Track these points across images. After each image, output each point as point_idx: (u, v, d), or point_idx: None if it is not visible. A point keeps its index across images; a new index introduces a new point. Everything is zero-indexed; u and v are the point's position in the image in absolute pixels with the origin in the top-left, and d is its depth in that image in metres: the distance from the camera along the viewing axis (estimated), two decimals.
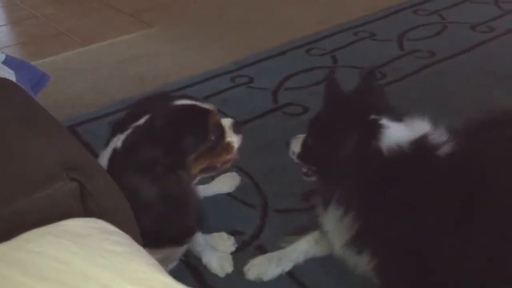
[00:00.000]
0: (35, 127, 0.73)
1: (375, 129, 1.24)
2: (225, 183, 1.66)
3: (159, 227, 1.05)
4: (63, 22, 2.91)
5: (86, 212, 0.69)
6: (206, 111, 1.15)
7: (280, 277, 1.41)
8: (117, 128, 1.14)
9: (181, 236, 1.11)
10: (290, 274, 1.41)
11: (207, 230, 1.47)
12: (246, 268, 1.42)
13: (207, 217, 1.34)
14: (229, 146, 1.17)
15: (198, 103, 1.15)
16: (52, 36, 2.78)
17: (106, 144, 1.14)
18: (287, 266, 1.43)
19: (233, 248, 1.46)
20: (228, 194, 1.66)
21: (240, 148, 1.86)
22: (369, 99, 1.32)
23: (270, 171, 1.74)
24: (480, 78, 2.12)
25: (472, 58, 2.25)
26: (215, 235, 1.49)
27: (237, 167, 1.72)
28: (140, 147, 1.05)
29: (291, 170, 1.73)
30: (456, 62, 2.23)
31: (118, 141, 1.09)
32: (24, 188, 0.64)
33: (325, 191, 1.35)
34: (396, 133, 1.25)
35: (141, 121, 1.09)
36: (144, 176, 1.03)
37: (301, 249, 1.45)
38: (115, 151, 1.08)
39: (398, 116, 1.29)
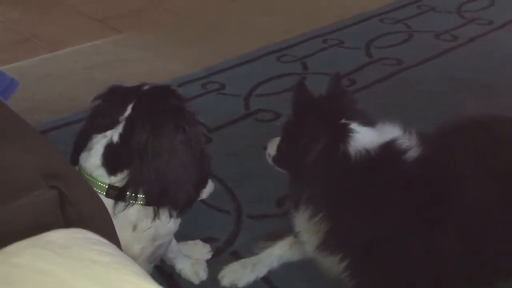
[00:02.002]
0: (10, 133, 0.72)
1: (344, 133, 1.27)
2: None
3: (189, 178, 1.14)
4: (29, 27, 2.85)
5: (66, 221, 0.68)
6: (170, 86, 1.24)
7: (255, 283, 1.41)
8: (87, 134, 1.15)
9: (196, 192, 1.17)
10: (265, 279, 1.42)
11: (181, 238, 1.46)
12: (220, 275, 1.42)
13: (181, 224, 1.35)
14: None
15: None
16: (17, 41, 2.72)
17: (77, 149, 1.15)
18: (261, 271, 1.44)
19: (209, 256, 1.46)
20: (201, 200, 1.66)
21: (213, 154, 1.87)
22: (339, 104, 1.34)
23: (243, 177, 1.75)
24: (445, 85, 2.19)
25: (437, 65, 2.31)
26: (190, 243, 1.48)
27: None
28: (163, 118, 1.11)
29: (264, 176, 1.75)
30: (422, 70, 2.29)
31: (106, 139, 1.11)
32: (1, 197, 0.63)
33: (295, 193, 1.37)
34: (365, 137, 1.28)
35: (128, 111, 1.11)
36: (175, 136, 1.11)
37: (275, 255, 1.46)
38: (111, 146, 1.11)
39: (368, 121, 1.32)
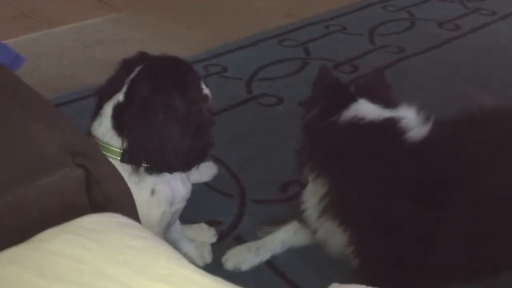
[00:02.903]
0: (32, 111, 0.70)
1: (345, 102, 1.31)
2: (202, 172, 1.65)
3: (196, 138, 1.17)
4: (25, 2, 2.79)
5: (90, 200, 0.66)
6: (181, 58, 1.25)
7: (258, 267, 1.41)
8: (104, 93, 1.18)
9: (191, 159, 1.18)
10: (269, 264, 1.42)
11: (185, 221, 1.46)
12: (224, 258, 1.42)
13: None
14: (206, 96, 1.27)
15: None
16: (14, 17, 2.66)
17: (95, 115, 1.18)
18: (265, 256, 1.44)
19: (214, 239, 1.46)
20: (205, 183, 1.65)
21: (216, 138, 1.86)
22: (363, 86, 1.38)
23: (246, 161, 1.74)
24: (447, 74, 2.18)
25: (440, 54, 2.31)
26: (195, 226, 1.48)
27: (213, 157, 1.71)
28: (164, 78, 1.14)
29: (267, 161, 1.74)
30: (425, 58, 2.28)
31: (114, 101, 1.14)
32: (28, 174, 0.62)
33: (300, 151, 1.42)
34: (366, 111, 1.30)
35: (134, 73, 1.14)
36: (176, 96, 1.13)
37: (279, 240, 1.46)
38: (118, 106, 1.13)
39: (386, 103, 1.33)
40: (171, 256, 0.57)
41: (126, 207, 0.69)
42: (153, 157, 1.11)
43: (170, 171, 1.16)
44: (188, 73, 1.19)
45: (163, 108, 1.10)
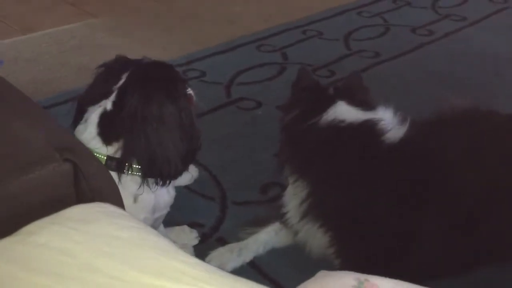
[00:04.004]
0: (18, 108, 0.70)
1: (325, 105, 1.34)
2: (183, 176, 1.64)
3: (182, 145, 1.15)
4: None
5: (78, 195, 0.66)
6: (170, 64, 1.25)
7: (241, 267, 1.42)
8: (88, 99, 1.16)
9: (183, 164, 1.17)
10: (252, 264, 1.43)
11: (167, 223, 1.45)
12: (207, 259, 1.42)
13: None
14: (190, 96, 1.28)
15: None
16: None
17: (77, 119, 1.16)
18: (248, 256, 1.44)
19: (196, 241, 1.46)
20: (186, 186, 1.65)
21: None
22: (343, 89, 1.41)
23: (227, 164, 1.75)
24: (421, 78, 2.23)
25: (414, 59, 2.36)
26: (177, 228, 1.48)
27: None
28: (154, 86, 1.12)
29: (247, 163, 1.76)
30: (400, 62, 2.33)
31: (101, 108, 1.12)
32: (17, 169, 0.61)
33: (280, 153, 1.45)
34: (342, 111, 1.33)
35: (123, 80, 1.13)
36: (166, 103, 1.12)
37: (261, 240, 1.47)
38: (105, 114, 1.11)
39: (364, 105, 1.35)
40: (159, 247, 0.57)
41: (113, 202, 0.69)
42: (150, 167, 1.11)
43: (175, 177, 1.18)
44: (176, 79, 1.19)
45: (156, 118, 1.09)
